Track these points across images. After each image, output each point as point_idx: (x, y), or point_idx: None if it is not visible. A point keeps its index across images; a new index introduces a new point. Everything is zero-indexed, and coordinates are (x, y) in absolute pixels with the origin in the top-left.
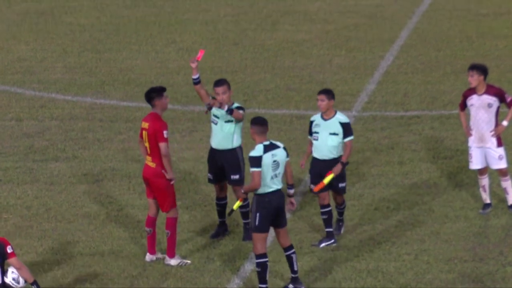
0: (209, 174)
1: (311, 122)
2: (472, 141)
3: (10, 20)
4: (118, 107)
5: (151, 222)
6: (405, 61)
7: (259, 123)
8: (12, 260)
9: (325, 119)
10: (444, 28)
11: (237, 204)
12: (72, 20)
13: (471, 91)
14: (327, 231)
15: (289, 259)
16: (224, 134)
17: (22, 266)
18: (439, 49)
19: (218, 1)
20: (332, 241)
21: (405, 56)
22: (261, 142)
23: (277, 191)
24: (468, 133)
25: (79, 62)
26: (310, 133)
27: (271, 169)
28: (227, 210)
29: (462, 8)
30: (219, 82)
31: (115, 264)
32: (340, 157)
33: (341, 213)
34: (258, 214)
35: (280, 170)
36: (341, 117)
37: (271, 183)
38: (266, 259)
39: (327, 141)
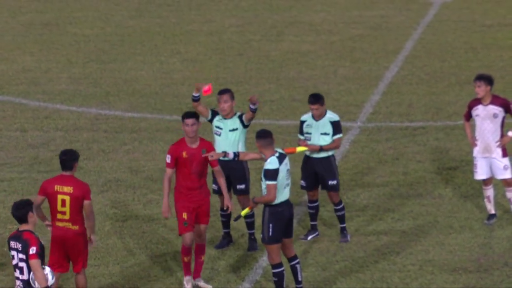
0: (214, 185)
1: (303, 122)
2: (477, 152)
3: (15, 30)
4: (123, 118)
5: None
6: (410, 72)
7: (263, 136)
8: (31, 261)
9: (316, 120)
10: (449, 39)
11: (245, 211)
12: (77, 31)
13: (477, 101)
14: (312, 224)
15: (294, 269)
16: (230, 144)
17: (37, 270)
18: (444, 60)
19: (222, 11)
20: (317, 233)
21: (410, 67)
22: (272, 155)
23: (288, 200)
24: (473, 144)
25: (83, 73)
26: (301, 132)
27: (285, 179)
28: (233, 216)
29: (467, 19)
30: (222, 91)
31: (120, 275)
32: (332, 155)
33: (341, 220)
34: (271, 225)
35: (290, 178)
36: (331, 115)
37: (285, 193)
38: (282, 268)
39: (319, 141)
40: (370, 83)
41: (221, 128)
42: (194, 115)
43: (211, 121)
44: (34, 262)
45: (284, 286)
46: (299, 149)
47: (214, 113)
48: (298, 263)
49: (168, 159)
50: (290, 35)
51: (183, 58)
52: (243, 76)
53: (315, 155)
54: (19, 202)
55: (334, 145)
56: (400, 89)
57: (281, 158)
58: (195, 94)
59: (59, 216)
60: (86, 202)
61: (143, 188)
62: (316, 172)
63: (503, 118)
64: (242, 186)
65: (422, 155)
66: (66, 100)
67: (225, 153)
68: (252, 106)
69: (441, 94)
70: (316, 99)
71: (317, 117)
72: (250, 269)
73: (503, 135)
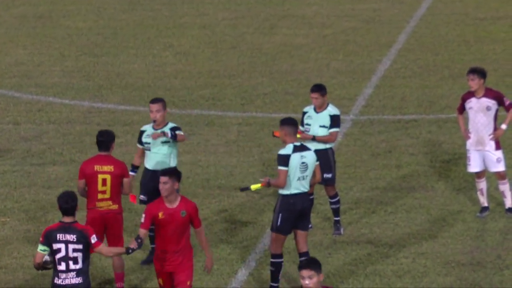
0: (142, 196)
1: (304, 113)
2: (470, 144)
3: (8, 23)
4: (115, 111)
5: None
6: (403, 65)
7: (292, 123)
8: (98, 249)
9: (317, 112)
10: (442, 32)
11: (256, 186)
12: (70, 24)
13: (470, 94)
14: None
15: None
16: (161, 156)
17: (109, 251)
18: (436, 53)
19: (215, 5)
20: (310, 226)
21: (403, 60)
22: (291, 142)
23: (303, 193)
24: (466, 136)
25: (76, 66)
26: (302, 123)
27: (299, 171)
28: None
29: (460, 12)
30: (154, 100)
31: (111, 268)
32: (330, 148)
33: (336, 213)
34: (280, 215)
35: (308, 173)
36: (331, 109)
37: (298, 185)
38: (281, 260)
39: (317, 133)
40: (363, 76)
41: (149, 143)
42: (167, 173)
43: (141, 143)
44: (102, 247)
45: (280, 278)
46: None
47: (141, 133)
48: None
49: (143, 218)
50: (283, 28)
51: (176, 51)
52: (236, 69)
53: (313, 148)
54: (68, 194)
55: (328, 138)
56: (393, 82)
57: (298, 148)
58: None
59: (99, 196)
60: (126, 180)
61: (135, 180)
62: None
63: (496, 111)
64: None
65: (415, 148)
66: (59, 93)
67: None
68: (168, 137)
69: (434, 87)
70: (317, 88)
71: (317, 109)
72: (243, 261)
73: (496, 128)
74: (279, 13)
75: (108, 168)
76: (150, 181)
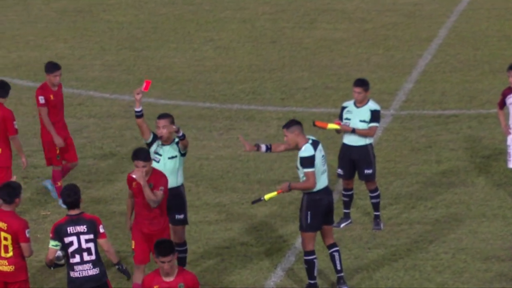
0: None
1: (343, 108)
2: (511, 140)
3: (48, 17)
4: (156, 105)
5: None
6: (443, 60)
7: (297, 123)
8: (102, 240)
9: (357, 107)
10: (483, 27)
11: (270, 195)
12: (110, 18)
13: (510, 89)
14: (345, 212)
15: (332, 257)
16: (168, 172)
17: (110, 248)
18: (477, 48)
19: None
20: (349, 220)
21: (443, 55)
22: (306, 142)
23: (326, 187)
24: (506, 132)
25: (117, 59)
26: (341, 118)
27: (321, 166)
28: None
29: (501, 7)
30: (161, 115)
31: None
32: (370, 143)
33: (376, 207)
34: (309, 213)
35: (326, 165)
36: (372, 105)
37: (322, 180)
38: (314, 257)
39: (357, 127)
40: (403, 71)
41: (160, 155)
42: (171, 250)
43: (149, 145)
44: (106, 241)
45: (315, 274)
46: (331, 126)
47: (155, 137)
48: (336, 251)
49: None
50: (323, 22)
51: (216, 45)
52: (276, 63)
53: (353, 144)
54: (69, 188)
55: (367, 132)
56: (433, 77)
57: (314, 145)
58: (137, 109)
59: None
60: None
61: None
62: (353, 160)
63: None
64: (181, 216)
65: (455, 143)
66: (100, 87)
67: (258, 146)
68: (178, 135)
69: (474, 82)
70: (361, 82)
71: (358, 103)
72: (283, 256)
73: None
74: (320, 8)
75: None
76: None
